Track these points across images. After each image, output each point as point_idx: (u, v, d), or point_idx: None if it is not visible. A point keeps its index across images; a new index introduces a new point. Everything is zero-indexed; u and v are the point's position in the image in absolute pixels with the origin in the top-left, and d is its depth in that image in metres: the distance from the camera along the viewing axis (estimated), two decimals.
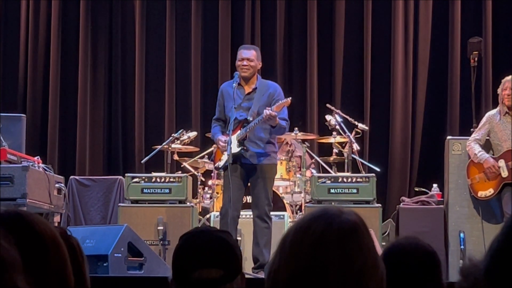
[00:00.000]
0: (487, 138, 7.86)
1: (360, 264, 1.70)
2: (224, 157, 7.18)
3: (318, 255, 1.70)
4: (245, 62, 7.17)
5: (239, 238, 7.72)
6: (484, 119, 7.89)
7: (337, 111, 8.70)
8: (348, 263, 1.69)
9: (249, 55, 7.21)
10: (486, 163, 7.71)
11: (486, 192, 7.80)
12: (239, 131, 7.10)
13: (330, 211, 1.76)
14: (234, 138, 7.08)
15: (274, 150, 7.29)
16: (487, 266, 1.53)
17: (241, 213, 7.43)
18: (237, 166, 7.09)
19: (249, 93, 7.21)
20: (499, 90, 7.83)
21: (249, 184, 7.24)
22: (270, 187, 7.24)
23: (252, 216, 7.23)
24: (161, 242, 7.85)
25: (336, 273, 1.68)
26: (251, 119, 7.08)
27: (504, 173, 7.69)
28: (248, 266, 7.21)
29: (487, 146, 7.87)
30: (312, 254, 1.70)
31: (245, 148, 7.07)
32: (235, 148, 7.06)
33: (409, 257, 2.73)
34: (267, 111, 6.92)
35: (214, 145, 7.76)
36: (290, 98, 7.24)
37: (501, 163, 7.71)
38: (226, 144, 7.09)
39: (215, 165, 7.43)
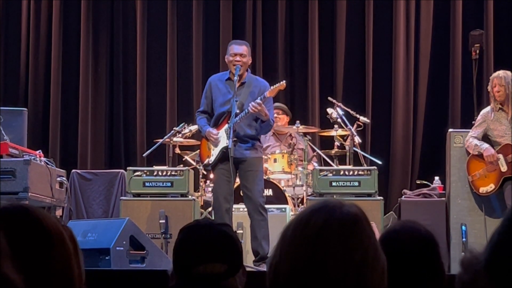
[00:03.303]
0: (488, 136, 7.87)
1: (360, 256, 1.70)
2: (214, 153, 7.19)
3: (318, 247, 1.70)
4: (237, 58, 7.15)
5: (241, 231, 7.73)
6: (479, 118, 7.91)
7: (339, 104, 8.69)
8: (348, 255, 1.70)
9: (241, 51, 7.20)
10: (486, 152, 7.74)
11: (487, 187, 7.82)
12: (226, 125, 7.11)
13: (331, 204, 1.76)
14: (222, 132, 7.10)
15: (260, 145, 7.34)
16: (488, 258, 1.53)
17: (241, 206, 7.43)
18: (226, 159, 7.07)
19: (238, 88, 7.21)
20: (489, 88, 7.87)
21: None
22: (261, 179, 7.24)
23: (246, 210, 7.23)
24: (163, 235, 7.86)
25: (337, 265, 1.69)
26: (237, 111, 7.08)
27: (503, 168, 7.71)
28: (250, 259, 7.22)
29: (486, 143, 7.89)
30: (313, 247, 1.70)
31: (235, 141, 7.06)
32: (225, 141, 7.07)
33: (404, 242, 2.72)
34: (253, 102, 6.93)
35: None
36: (285, 81, 7.25)
37: (500, 157, 7.73)
38: (218, 137, 7.11)
39: (205, 162, 7.37)
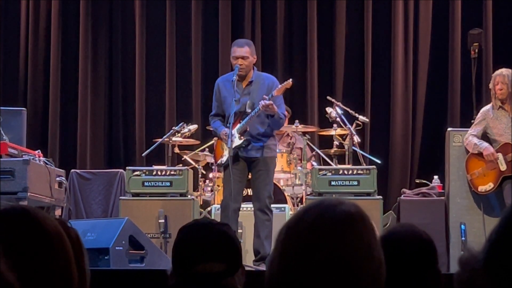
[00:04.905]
0: (487, 134, 7.87)
1: (350, 254, 1.70)
2: (227, 153, 7.19)
3: (308, 244, 1.70)
4: (240, 62, 7.15)
5: (240, 231, 7.73)
6: (479, 116, 7.91)
7: (338, 103, 8.69)
8: (338, 253, 1.70)
9: (243, 53, 7.17)
10: (485, 151, 7.74)
11: (486, 186, 7.82)
12: (238, 124, 7.12)
13: (326, 202, 1.77)
14: (234, 132, 7.10)
15: (274, 143, 7.32)
16: (486, 257, 1.53)
17: (242, 205, 7.44)
18: (238, 158, 7.11)
19: (246, 87, 7.22)
20: (490, 85, 7.86)
21: (249, 176, 7.27)
22: (271, 180, 7.27)
23: (253, 208, 7.24)
24: (162, 235, 7.87)
25: (326, 262, 1.69)
26: (249, 110, 7.10)
27: (503, 167, 7.71)
28: (249, 259, 7.23)
29: (484, 141, 7.88)
30: (303, 244, 1.71)
31: (247, 140, 7.09)
32: (237, 141, 7.09)
33: (404, 244, 2.73)
34: (263, 102, 6.96)
35: (215, 138, 7.76)
36: (291, 79, 7.27)
37: (499, 156, 7.73)
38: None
39: (218, 162, 7.41)
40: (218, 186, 8.45)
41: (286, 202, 8.30)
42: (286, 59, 10.77)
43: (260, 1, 10.85)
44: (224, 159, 7.24)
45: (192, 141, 9.09)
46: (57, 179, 8.01)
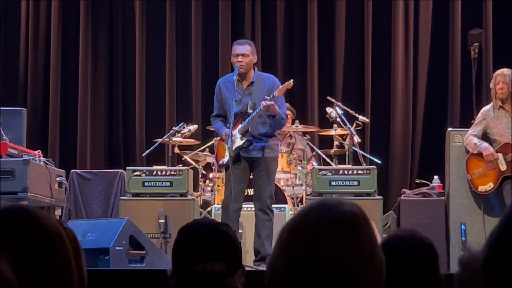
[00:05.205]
0: (487, 134, 7.87)
1: (353, 255, 1.70)
2: (228, 153, 7.20)
3: (312, 244, 1.70)
4: (240, 58, 7.16)
5: (240, 231, 7.74)
6: (479, 115, 7.91)
7: (338, 103, 8.69)
8: (341, 253, 1.70)
9: (244, 51, 7.20)
10: (485, 151, 7.74)
11: (486, 186, 7.82)
12: (240, 125, 7.12)
13: (328, 202, 1.77)
14: (236, 132, 7.11)
15: (275, 143, 7.32)
16: (486, 257, 1.53)
17: (243, 205, 7.44)
18: (239, 159, 7.12)
19: (247, 87, 7.23)
20: (491, 85, 7.86)
21: (251, 177, 7.28)
22: (272, 180, 7.27)
23: (253, 208, 7.25)
24: (162, 235, 7.87)
25: (329, 263, 1.69)
26: (250, 111, 7.11)
27: (503, 167, 7.71)
28: (249, 259, 7.23)
29: (485, 141, 7.88)
30: (306, 243, 1.71)
31: (248, 140, 7.10)
32: (238, 141, 7.10)
33: (406, 249, 2.74)
34: (264, 102, 6.97)
35: (215, 138, 7.76)
36: (292, 80, 7.27)
37: (499, 156, 7.73)
38: (233, 138, 7.12)
39: (220, 162, 7.42)
40: (218, 186, 8.46)
41: (286, 202, 8.30)
42: (286, 59, 10.78)
43: (260, 1, 10.85)
44: (225, 159, 7.25)
45: (192, 141, 9.10)
46: (57, 179, 8.01)
